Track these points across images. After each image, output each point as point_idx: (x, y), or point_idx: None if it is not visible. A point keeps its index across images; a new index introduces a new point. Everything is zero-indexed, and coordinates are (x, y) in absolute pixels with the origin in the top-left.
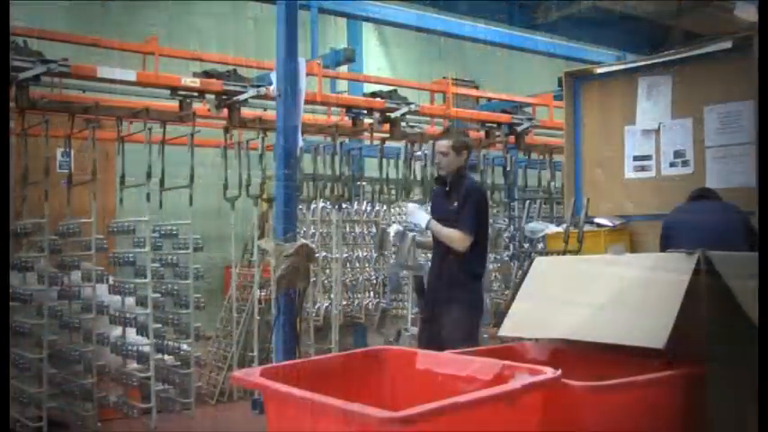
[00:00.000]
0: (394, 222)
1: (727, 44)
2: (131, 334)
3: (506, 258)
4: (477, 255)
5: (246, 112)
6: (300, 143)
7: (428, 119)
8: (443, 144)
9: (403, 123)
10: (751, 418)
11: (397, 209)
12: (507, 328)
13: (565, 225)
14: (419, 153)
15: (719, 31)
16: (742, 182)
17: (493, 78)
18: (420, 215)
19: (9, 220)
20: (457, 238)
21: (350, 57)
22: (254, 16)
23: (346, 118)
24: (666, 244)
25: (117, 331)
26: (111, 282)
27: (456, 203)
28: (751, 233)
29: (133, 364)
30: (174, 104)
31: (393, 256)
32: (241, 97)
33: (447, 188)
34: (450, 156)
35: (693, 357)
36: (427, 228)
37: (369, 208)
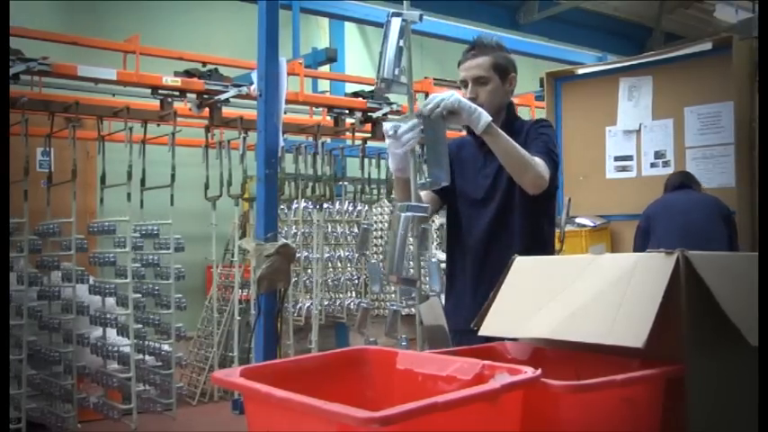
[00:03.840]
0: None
1: (707, 46)
2: (112, 334)
3: None
4: (549, 219)
5: (228, 111)
6: (282, 143)
7: None
8: (478, 63)
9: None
10: (731, 417)
11: (379, 209)
12: (487, 328)
13: None
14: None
15: (700, 32)
16: (722, 182)
17: None
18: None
19: (8, 222)
20: (539, 163)
21: (332, 56)
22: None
23: (328, 117)
24: (645, 238)
25: (97, 332)
26: (91, 282)
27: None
28: (732, 227)
29: (114, 365)
30: (155, 104)
31: None
32: (222, 96)
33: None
34: (493, 83)
35: (673, 356)
36: (482, 128)
37: (350, 208)
